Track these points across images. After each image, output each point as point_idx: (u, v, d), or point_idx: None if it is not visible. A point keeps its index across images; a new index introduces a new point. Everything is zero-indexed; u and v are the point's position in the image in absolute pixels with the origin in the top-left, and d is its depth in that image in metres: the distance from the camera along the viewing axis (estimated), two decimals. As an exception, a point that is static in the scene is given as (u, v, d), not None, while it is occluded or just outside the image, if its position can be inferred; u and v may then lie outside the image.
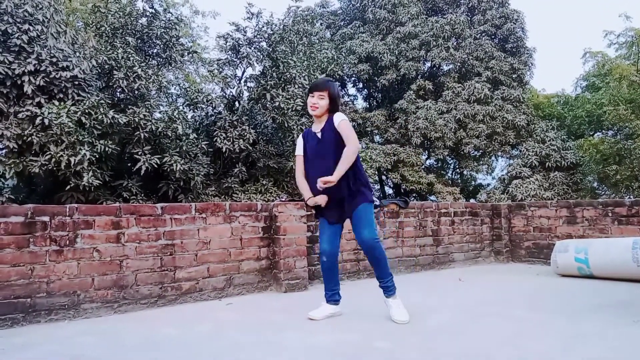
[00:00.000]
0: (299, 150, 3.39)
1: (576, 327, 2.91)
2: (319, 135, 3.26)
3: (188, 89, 8.70)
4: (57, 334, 3.00)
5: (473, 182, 15.56)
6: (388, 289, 3.23)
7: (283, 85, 8.05)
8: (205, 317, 3.42)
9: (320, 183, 3.02)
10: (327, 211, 3.27)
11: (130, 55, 6.87)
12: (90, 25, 7.88)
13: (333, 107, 3.26)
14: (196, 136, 7.47)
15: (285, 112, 7.74)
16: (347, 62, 12.37)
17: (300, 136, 3.45)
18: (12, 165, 5.66)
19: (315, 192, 3.21)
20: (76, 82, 6.19)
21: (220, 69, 8.62)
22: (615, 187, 11.71)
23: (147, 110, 6.69)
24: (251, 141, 7.91)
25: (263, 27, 8.72)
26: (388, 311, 3.21)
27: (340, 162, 3.05)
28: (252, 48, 8.64)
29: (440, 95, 13.02)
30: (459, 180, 14.77)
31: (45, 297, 3.32)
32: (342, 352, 2.56)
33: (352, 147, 3.09)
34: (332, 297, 3.36)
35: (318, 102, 3.22)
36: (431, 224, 5.76)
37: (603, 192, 13.30)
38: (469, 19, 13.95)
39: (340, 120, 3.18)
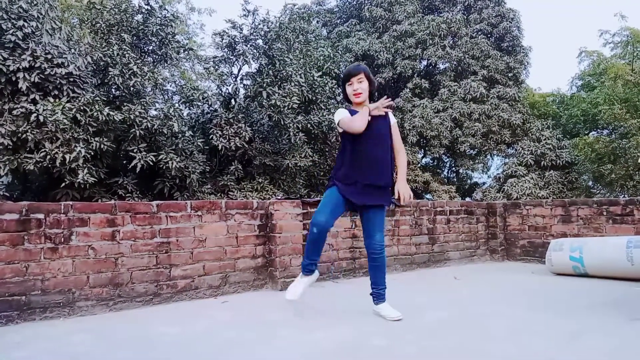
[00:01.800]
0: (344, 114, 3.22)
1: (572, 326, 2.92)
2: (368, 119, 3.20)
3: (184, 87, 8.65)
4: (52, 332, 2.99)
5: (469, 181, 15.58)
6: (381, 296, 3.26)
7: (279, 83, 8.02)
8: (200, 315, 3.41)
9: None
10: (354, 189, 3.13)
11: (125, 52, 6.84)
12: (86, 22, 7.83)
13: (372, 88, 3.26)
14: (192, 134, 7.45)
15: (282, 110, 7.72)
16: (343, 60, 12.34)
17: (346, 109, 3.31)
18: (7, 163, 5.62)
19: (361, 178, 3.11)
20: (71, 79, 6.16)
21: (216, 67, 8.59)
22: (610, 186, 11.76)
23: (143, 108, 6.65)
24: (247, 139, 7.89)
25: (259, 24, 8.69)
26: (379, 314, 3.23)
27: (402, 169, 3.29)
28: (248, 45, 8.61)
29: (436, 94, 13.04)
30: (455, 179, 14.80)
31: (40, 295, 3.30)
32: (339, 349, 2.56)
33: (405, 156, 3.35)
34: (309, 266, 3.22)
35: (359, 86, 3.19)
36: (427, 222, 5.77)
37: (598, 191, 13.34)
38: (465, 17, 13.97)
39: (395, 121, 3.33)
